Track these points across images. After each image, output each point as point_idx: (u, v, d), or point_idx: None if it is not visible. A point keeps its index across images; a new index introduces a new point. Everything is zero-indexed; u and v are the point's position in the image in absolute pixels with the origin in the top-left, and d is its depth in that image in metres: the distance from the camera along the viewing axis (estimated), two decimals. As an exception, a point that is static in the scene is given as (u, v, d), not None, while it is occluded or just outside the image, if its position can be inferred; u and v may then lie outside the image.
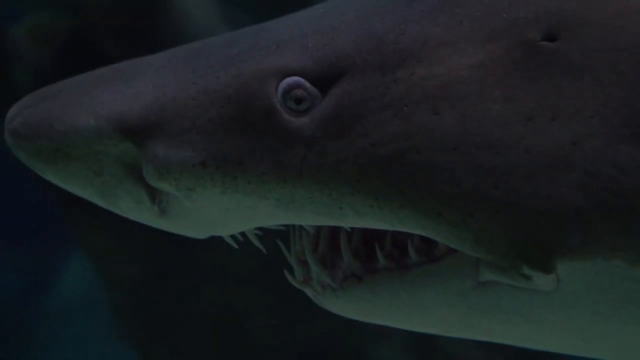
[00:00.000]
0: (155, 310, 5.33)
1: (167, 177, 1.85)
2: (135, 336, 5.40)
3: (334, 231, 1.97)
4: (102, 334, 6.26)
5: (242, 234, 2.00)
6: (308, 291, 1.99)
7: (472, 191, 1.79)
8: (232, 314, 5.17)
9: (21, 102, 1.95)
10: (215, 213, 1.89)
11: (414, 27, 1.87)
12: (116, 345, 5.77)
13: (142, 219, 1.94)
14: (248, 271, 5.05)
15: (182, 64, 1.92)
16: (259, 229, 1.98)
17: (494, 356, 4.84)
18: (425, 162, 1.80)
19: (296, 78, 1.86)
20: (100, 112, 1.88)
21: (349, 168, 1.82)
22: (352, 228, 1.93)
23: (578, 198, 1.78)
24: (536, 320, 1.87)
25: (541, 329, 1.89)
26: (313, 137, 1.84)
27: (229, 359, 5.25)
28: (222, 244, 2.02)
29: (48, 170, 1.92)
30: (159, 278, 5.28)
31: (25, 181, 4.09)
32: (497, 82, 1.83)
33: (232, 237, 2.00)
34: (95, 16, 5.15)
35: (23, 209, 6.28)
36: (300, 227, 2.00)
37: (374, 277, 1.91)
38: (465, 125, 1.81)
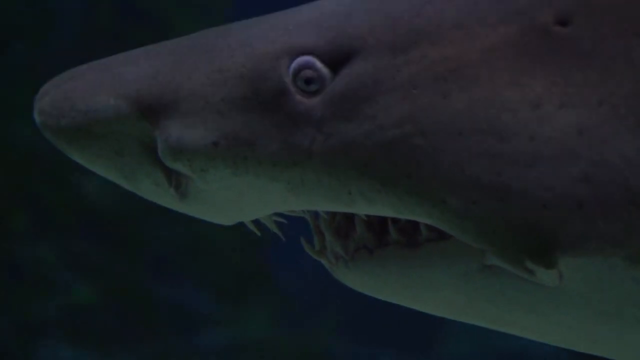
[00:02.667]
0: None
1: (180, 157, 1.85)
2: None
3: None
4: None
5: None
6: (324, 261, 1.98)
7: (475, 178, 1.76)
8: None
9: (51, 82, 1.97)
10: (230, 196, 1.88)
11: (429, 8, 1.85)
12: None
13: (163, 202, 1.95)
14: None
15: (202, 45, 1.92)
16: (282, 215, 1.98)
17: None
18: (431, 147, 1.77)
19: (307, 57, 1.84)
20: (119, 91, 1.89)
21: (356, 151, 1.80)
22: None
23: (581, 190, 1.74)
24: (538, 313, 1.84)
25: (544, 323, 1.86)
26: (322, 119, 1.82)
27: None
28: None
29: (72, 149, 1.94)
30: None
31: None
32: (507, 66, 1.79)
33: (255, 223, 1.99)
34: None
35: None
36: None
37: (385, 251, 1.89)
38: (472, 110, 1.78)
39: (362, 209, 1.84)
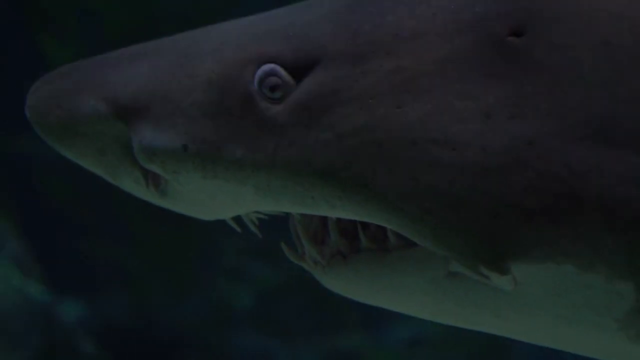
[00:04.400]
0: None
1: (154, 159, 1.89)
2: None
3: None
4: None
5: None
6: (305, 266, 2.01)
7: (429, 187, 1.79)
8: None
9: (42, 79, 2.02)
10: (205, 197, 1.92)
11: (390, 19, 1.87)
12: None
13: (146, 198, 1.99)
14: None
15: (178, 49, 1.95)
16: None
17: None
18: (387, 156, 1.80)
19: (272, 65, 1.87)
20: (98, 93, 1.93)
21: (316, 159, 1.83)
22: None
23: (530, 200, 1.77)
24: (502, 316, 1.87)
25: (510, 324, 1.89)
26: (285, 126, 1.85)
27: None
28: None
29: (60, 146, 2.00)
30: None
31: None
32: (461, 77, 1.82)
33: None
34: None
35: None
36: None
37: (357, 257, 1.93)
38: (425, 120, 1.80)
39: (327, 212, 1.88)
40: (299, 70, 1.87)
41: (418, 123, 1.80)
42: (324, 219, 1.97)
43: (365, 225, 1.93)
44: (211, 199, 1.92)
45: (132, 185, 1.98)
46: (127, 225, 6.86)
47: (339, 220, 1.95)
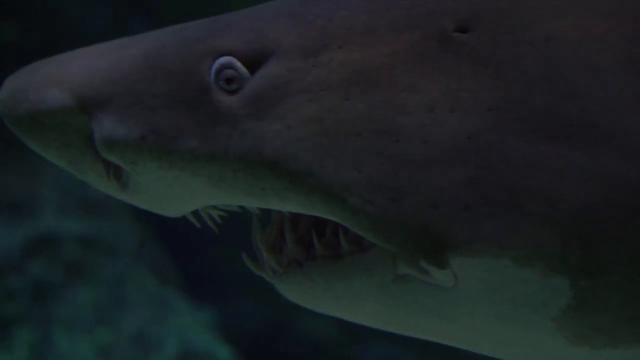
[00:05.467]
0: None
1: (113, 149, 1.94)
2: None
3: (284, 217, 2.01)
4: None
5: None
6: (264, 275, 2.04)
7: (371, 178, 1.82)
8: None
9: (14, 74, 2.08)
10: (162, 189, 1.96)
11: (342, 13, 1.91)
12: None
13: (108, 192, 2.04)
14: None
15: (143, 44, 2.01)
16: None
17: None
18: (332, 147, 1.84)
19: (228, 58, 1.92)
20: (64, 85, 1.99)
21: (266, 149, 1.86)
22: (298, 214, 1.96)
23: (468, 192, 1.78)
24: (449, 319, 1.88)
25: (458, 329, 1.89)
26: (238, 117, 1.90)
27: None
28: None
29: (28, 139, 2.05)
30: None
31: None
32: (406, 70, 1.85)
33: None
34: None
35: None
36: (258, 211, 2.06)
37: (312, 264, 1.95)
38: (371, 112, 1.83)
39: (276, 205, 1.91)
40: (254, 62, 1.91)
41: (364, 115, 1.83)
42: (281, 228, 2.00)
43: (320, 233, 1.96)
44: (168, 191, 1.96)
45: (95, 178, 2.02)
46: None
47: (295, 228, 1.98)
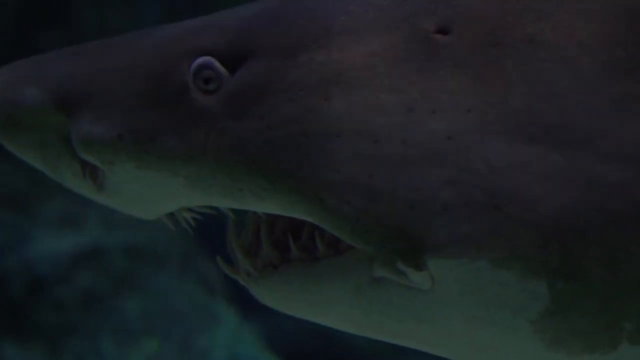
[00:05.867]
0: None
1: (90, 149, 1.94)
2: None
3: (260, 219, 2.00)
4: None
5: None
6: (239, 279, 2.02)
7: (349, 178, 1.81)
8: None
9: None
10: (139, 190, 1.95)
11: (322, 13, 1.91)
12: None
13: (85, 193, 2.04)
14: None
15: (122, 44, 2.01)
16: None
17: None
18: (312, 147, 1.83)
19: (207, 58, 1.91)
20: (42, 84, 1.99)
21: (245, 149, 1.86)
22: (274, 217, 1.95)
23: (446, 193, 1.78)
24: (426, 322, 1.86)
25: (435, 333, 1.88)
26: (216, 117, 1.89)
27: None
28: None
29: (4, 138, 2.05)
30: None
31: None
32: (387, 71, 1.84)
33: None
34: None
35: None
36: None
37: (288, 267, 1.94)
38: (351, 113, 1.82)
39: (253, 205, 1.90)
40: (234, 62, 1.91)
41: (343, 115, 1.82)
42: (257, 231, 1.98)
43: (296, 236, 1.95)
44: (145, 192, 1.95)
45: (71, 178, 2.01)
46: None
47: (271, 231, 1.97)
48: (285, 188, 1.85)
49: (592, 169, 1.76)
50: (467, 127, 1.79)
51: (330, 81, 1.85)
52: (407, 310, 1.86)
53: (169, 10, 7.48)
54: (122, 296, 6.78)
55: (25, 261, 6.71)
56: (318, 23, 1.90)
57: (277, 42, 1.90)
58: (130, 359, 6.67)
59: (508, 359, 1.89)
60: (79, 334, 6.66)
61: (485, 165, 1.77)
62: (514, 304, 1.79)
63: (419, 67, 1.84)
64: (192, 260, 7.02)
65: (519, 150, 1.78)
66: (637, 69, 1.80)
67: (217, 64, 1.91)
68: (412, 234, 1.79)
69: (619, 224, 1.75)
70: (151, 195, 1.96)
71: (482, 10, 1.85)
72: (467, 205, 1.77)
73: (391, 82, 1.84)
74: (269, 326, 7.00)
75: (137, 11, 7.47)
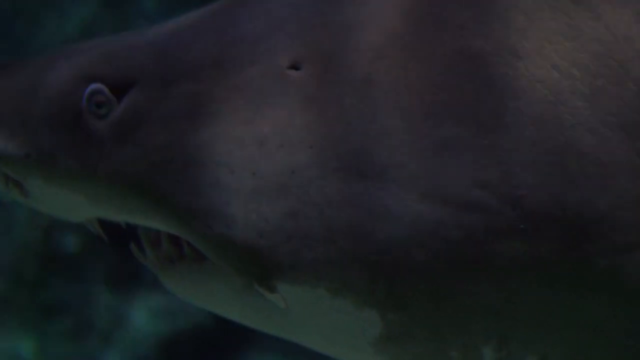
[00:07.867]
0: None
1: (5, 165, 2.12)
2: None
3: None
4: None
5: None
6: (148, 266, 2.17)
7: (209, 206, 1.95)
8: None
9: None
10: (54, 199, 2.13)
11: (197, 46, 2.03)
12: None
13: (14, 199, 2.20)
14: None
15: (37, 65, 2.16)
16: None
17: None
18: (179, 174, 1.97)
19: (98, 85, 2.06)
20: None
21: (127, 173, 2.01)
22: None
23: (290, 225, 1.90)
24: (287, 334, 2.03)
25: (304, 341, 2.03)
26: (106, 141, 2.04)
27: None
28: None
29: None
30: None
31: None
32: (245, 104, 1.96)
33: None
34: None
35: None
36: None
37: (182, 264, 2.09)
38: (211, 144, 1.96)
39: (144, 222, 2.06)
40: (121, 89, 2.05)
41: (205, 146, 1.96)
42: None
43: None
44: (57, 202, 2.12)
45: (2, 187, 2.19)
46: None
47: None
48: (163, 211, 2.00)
49: (414, 209, 1.86)
50: (308, 162, 1.90)
51: (197, 113, 1.99)
52: (272, 319, 2.01)
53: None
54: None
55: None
56: (192, 55, 2.03)
57: (157, 72, 2.04)
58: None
59: None
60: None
61: (324, 199, 1.89)
62: (354, 329, 1.93)
63: (272, 102, 1.95)
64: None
65: (352, 187, 1.89)
66: (460, 112, 1.88)
67: (106, 90, 2.06)
68: (262, 260, 1.93)
69: (439, 262, 1.86)
70: (66, 205, 2.13)
71: (329, 49, 1.94)
72: (307, 237, 1.89)
73: (248, 115, 1.95)
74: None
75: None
